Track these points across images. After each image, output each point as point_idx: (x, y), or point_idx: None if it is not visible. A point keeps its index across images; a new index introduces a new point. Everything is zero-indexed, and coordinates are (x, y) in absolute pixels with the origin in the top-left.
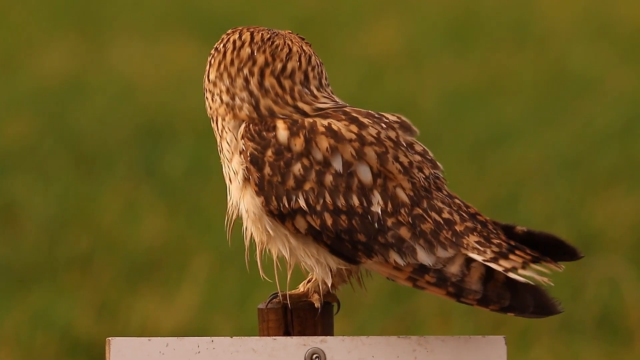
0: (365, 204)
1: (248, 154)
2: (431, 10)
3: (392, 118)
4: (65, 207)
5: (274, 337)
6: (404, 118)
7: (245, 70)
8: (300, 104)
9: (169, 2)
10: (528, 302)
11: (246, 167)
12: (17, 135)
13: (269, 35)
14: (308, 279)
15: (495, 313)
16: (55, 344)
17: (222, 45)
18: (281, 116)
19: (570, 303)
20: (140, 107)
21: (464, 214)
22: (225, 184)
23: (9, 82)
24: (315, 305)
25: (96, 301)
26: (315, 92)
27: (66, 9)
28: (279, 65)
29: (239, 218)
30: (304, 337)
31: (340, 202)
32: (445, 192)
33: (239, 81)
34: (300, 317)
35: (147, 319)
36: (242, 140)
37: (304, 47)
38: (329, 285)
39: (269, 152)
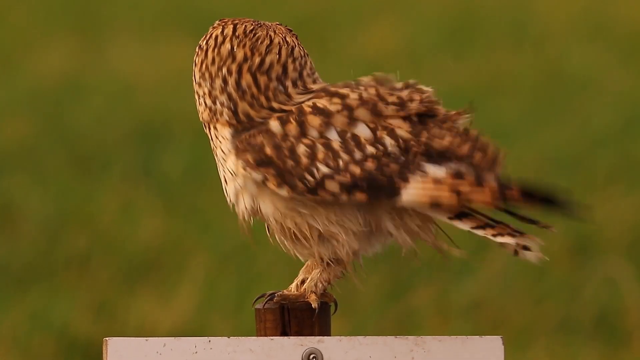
0: (381, 148)
1: (253, 161)
2: (429, 10)
3: (367, 80)
4: (63, 207)
5: (271, 337)
6: (377, 74)
7: (224, 69)
8: (275, 104)
9: (167, 3)
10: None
11: (260, 173)
12: (15, 135)
13: (252, 27)
14: (301, 279)
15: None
16: (53, 344)
17: (204, 42)
18: (259, 120)
19: (568, 303)
20: (138, 108)
21: (465, 136)
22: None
23: (7, 82)
24: (313, 305)
25: (94, 301)
26: (290, 89)
27: (65, 9)
28: (257, 60)
29: (253, 218)
30: (301, 337)
31: (357, 154)
32: (442, 116)
33: (218, 82)
34: (298, 317)
35: (145, 319)
36: (240, 160)
37: (287, 39)
38: (356, 249)
39: (268, 150)
